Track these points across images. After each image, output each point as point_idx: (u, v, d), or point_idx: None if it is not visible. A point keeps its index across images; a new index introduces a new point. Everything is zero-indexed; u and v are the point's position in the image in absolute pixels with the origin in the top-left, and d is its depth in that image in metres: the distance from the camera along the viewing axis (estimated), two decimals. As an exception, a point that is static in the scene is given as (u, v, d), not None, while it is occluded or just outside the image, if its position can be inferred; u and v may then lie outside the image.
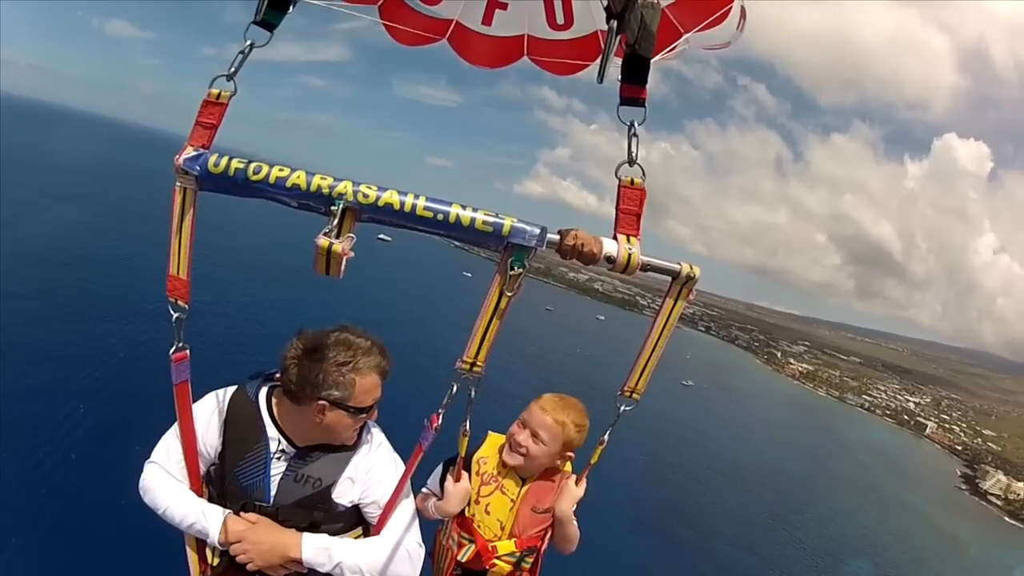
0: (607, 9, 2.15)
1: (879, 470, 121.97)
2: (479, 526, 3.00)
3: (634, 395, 2.50)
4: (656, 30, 2.21)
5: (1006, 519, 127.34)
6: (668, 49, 3.14)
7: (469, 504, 3.02)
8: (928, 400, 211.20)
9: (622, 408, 2.54)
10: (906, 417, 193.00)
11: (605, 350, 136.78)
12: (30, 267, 61.03)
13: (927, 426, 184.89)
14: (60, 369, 45.03)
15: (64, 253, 70.63)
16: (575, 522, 3.01)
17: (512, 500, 3.00)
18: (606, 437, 2.74)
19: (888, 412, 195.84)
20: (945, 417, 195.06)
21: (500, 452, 3.06)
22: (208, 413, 2.66)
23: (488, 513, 3.00)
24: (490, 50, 3.74)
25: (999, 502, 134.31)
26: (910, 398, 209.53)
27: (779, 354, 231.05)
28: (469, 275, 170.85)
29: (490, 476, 3.05)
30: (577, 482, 3.02)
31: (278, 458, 2.61)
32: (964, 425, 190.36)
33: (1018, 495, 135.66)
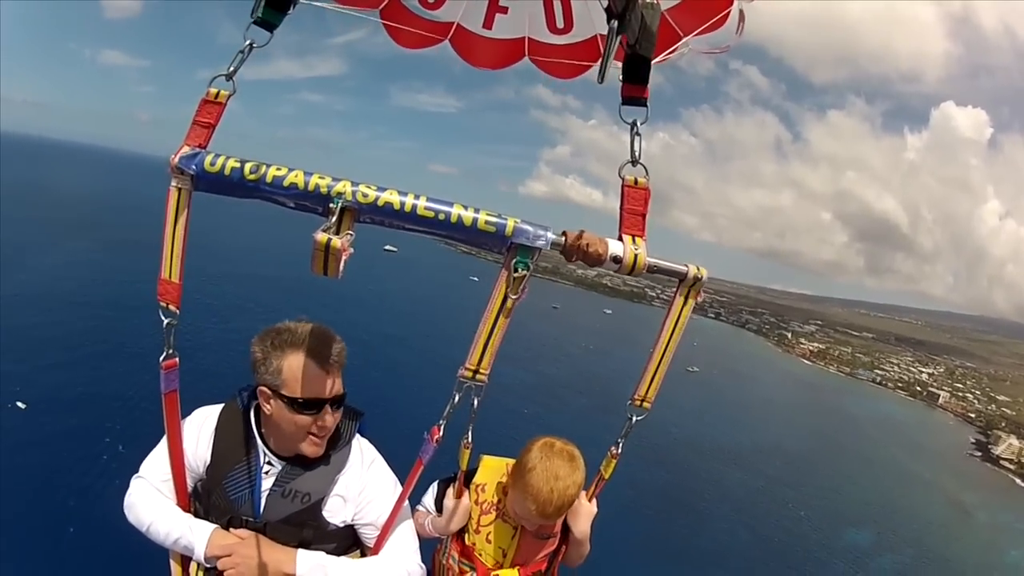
0: (607, 9, 2.18)
1: (887, 442, 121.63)
2: (480, 554, 2.89)
3: (644, 404, 2.46)
4: (657, 30, 2.25)
5: (1018, 482, 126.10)
6: (667, 52, 3.19)
7: (468, 532, 2.91)
8: (942, 370, 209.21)
9: (634, 419, 2.50)
10: (918, 388, 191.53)
11: (609, 342, 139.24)
12: (41, 308, 63.56)
13: (940, 396, 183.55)
14: (86, 410, 46.96)
15: (74, 291, 73.06)
16: (589, 540, 2.96)
17: (514, 528, 2.88)
18: (619, 450, 2.69)
19: (900, 385, 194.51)
20: (959, 386, 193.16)
21: (501, 489, 2.94)
22: (198, 425, 2.59)
23: (489, 541, 2.89)
24: (491, 52, 3.79)
25: (1012, 466, 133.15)
26: (923, 369, 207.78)
27: (790, 335, 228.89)
28: (476, 279, 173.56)
29: (490, 505, 2.92)
30: (590, 498, 2.91)
31: (266, 472, 2.54)
32: (978, 392, 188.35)
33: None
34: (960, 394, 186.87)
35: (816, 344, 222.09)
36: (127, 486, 2.64)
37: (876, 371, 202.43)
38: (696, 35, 3.18)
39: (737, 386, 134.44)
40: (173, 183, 2.11)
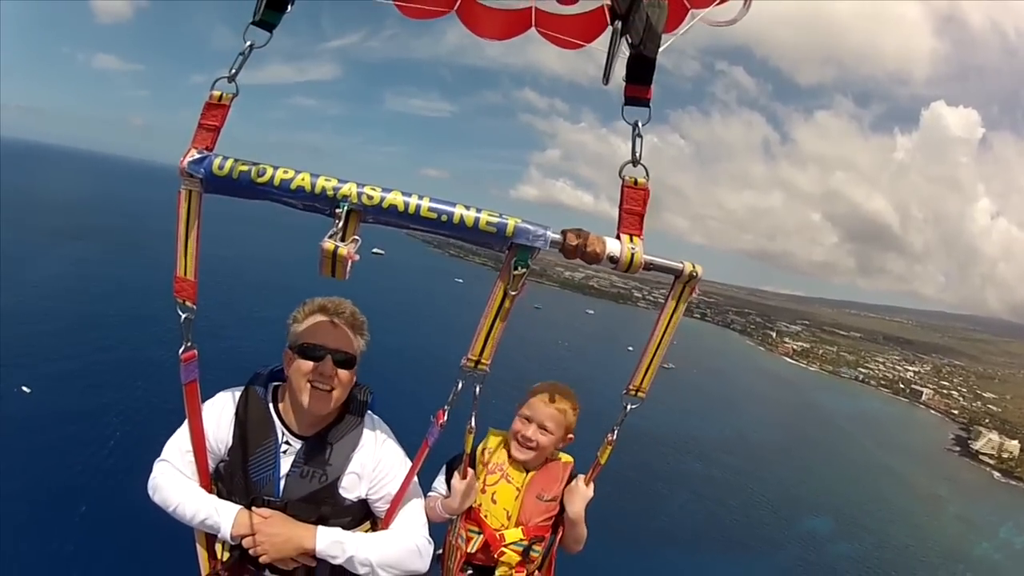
0: (612, 9, 2.30)
1: (862, 436, 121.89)
2: (486, 516, 3.04)
3: (639, 393, 2.56)
4: (662, 30, 2.24)
5: (996, 476, 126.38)
6: (677, 29, 3.08)
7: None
8: (928, 368, 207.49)
9: (628, 407, 2.59)
10: (902, 386, 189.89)
11: (587, 340, 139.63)
12: (41, 312, 65.90)
13: (923, 393, 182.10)
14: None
15: (72, 294, 75.69)
16: (584, 523, 3.05)
17: (517, 489, 3.05)
18: (614, 437, 2.80)
19: (883, 382, 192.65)
20: (945, 383, 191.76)
21: (505, 446, 3.14)
22: (219, 410, 2.73)
23: (494, 502, 3.04)
24: (498, 22, 3.74)
25: (991, 461, 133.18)
26: (909, 368, 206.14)
27: (775, 334, 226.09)
28: (460, 281, 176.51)
29: (495, 465, 3.11)
30: (587, 483, 3.03)
31: (285, 452, 2.68)
32: (964, 390, 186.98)
33: (1012, 453, 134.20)
34: (945, 391, 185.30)
35: (800, 343, 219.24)
36: (141, 465, 2.88)
37: (859, 369, 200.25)
38: (704, 8, 3.11)
39: (712, 382, 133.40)
40: (183, 185, 2.19)
